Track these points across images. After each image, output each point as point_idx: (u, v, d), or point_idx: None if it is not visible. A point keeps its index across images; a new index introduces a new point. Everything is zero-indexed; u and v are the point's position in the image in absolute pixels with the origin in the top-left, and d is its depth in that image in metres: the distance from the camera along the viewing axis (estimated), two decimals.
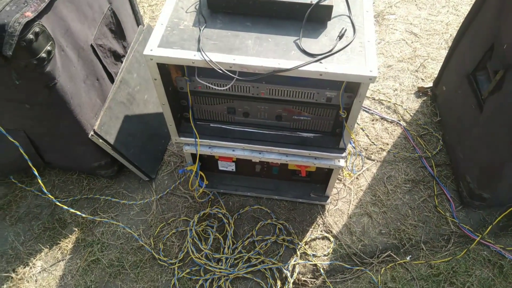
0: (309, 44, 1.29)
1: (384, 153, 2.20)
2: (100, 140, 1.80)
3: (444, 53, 2.62)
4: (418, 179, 2.10)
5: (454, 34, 2.69)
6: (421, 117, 2.33)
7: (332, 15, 1.34)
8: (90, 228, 1.97)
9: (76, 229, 1.96)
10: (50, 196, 1.76)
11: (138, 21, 2.15)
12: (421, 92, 2.43)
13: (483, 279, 1.78)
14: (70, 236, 1.95)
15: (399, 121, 2.32)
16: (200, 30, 1.31)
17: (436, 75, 2.41)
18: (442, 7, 2.91)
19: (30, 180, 2.13)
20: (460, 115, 2.00)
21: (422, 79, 2.49)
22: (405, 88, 2.46)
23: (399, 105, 2.38)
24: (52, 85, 1.50)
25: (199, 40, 1.28)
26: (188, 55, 1.26)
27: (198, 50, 1.26)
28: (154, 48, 1.28)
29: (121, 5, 1.94)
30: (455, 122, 2.06)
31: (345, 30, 1.31)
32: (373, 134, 2.27)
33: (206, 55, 1.24)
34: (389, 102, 2.40)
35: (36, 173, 1.67)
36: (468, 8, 2.85)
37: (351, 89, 1.39)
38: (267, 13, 1.34)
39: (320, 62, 1.24)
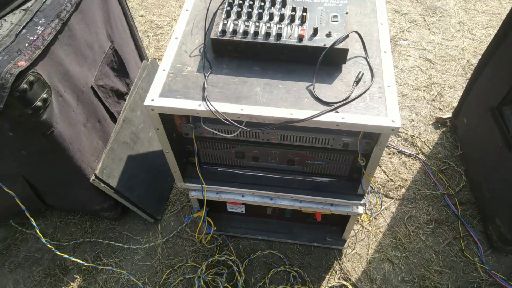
0: (324, 90, 1.18)
1: (403, 190, 2.06)
2: (102, 185, 1.70)
3: (461, 80, 2.50)
4: (442, 219, 1.95)
5: (471, 60, 2.59)
6: (441, 150, 2.19)
7: (347, 57, 1.23)
8: (93, 275, 1.86)
9: (78, 276, 1.85)
10: (50, 246, 1.66)
11: (141, 56, 2.07)
12: (439, 123, 2.30)
13: None
14: (71, 283, 1.84)
15: (418, 154, 2.19)
16: (205, 76, 1.22)
17: (455, 104, 2.28)
18: (457, 31, 2.79)
19: (30, 223, 2.03)
20: (484, 151, 1.87)
21: (440, 109, 2.36)
22: (422, 118, 2.34)
23: (417, 137, 2.25)
24: (49, 133, 1.41)
25: (204, 88, 1.19)
26: (192, 105, 1.16)
27: (203, 99, 1.17)
28: (156, 98, 1.19)
29: (124, 41, 1.87)
30: (479, 157, 1.93)
31: (362, 74, 1.20)
32: (390, 169, 2.14)
33: (211, 105, 1.14)
34: (406, 134, 2.27)
35: (34, 223, 1.58)
36: (484, 32, 2.74)
37: (369, 135, 1.27)
38: (277, 57, 1.24)
39: (337, 111, 1.13)
